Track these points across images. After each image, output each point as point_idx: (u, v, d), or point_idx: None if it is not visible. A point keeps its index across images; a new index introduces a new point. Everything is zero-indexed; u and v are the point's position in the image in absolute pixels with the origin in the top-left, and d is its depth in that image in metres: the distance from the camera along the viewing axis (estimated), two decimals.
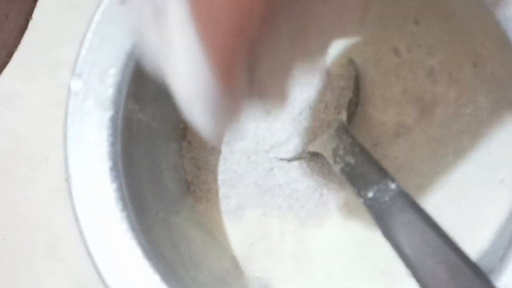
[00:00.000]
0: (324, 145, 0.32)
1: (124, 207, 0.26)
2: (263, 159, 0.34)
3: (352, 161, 0.30)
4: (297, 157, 0.34)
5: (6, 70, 0.39)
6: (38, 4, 0.39)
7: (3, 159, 0.39)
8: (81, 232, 0.26)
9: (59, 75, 0.38)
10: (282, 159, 0.33)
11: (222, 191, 0.36)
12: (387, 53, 0.34)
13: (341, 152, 0.31)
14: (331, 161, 0.31)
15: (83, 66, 0.26)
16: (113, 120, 0.26)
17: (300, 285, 0.35)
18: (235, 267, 0.36)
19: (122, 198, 0.26)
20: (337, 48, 0.34)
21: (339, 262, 0.35)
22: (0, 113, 0.39)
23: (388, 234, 0.25)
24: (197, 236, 0.35)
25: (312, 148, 0.32)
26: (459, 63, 0.32)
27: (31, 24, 0.39)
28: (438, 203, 0.33)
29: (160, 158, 0.34)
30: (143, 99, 0.31)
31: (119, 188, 0.26)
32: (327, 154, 0.31)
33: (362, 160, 0.29)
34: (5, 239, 0.38)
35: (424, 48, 0.33)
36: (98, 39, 0.25)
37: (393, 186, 0.26)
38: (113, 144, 0.26)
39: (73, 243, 0.37)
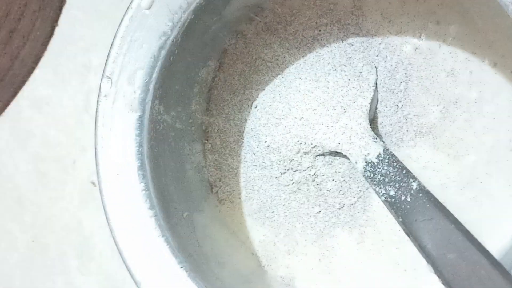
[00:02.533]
0: (350, 146, 0.32)
1: (152, 206, 0.27)
2: (285, 160, 0.35)
3: (375, 160, 0.30)
4: (321, 154, 0.34)
5: (37, 76, 0.40)
6: (65, 12, 0.40)
7: (34, 162, 0.41)
8: (111, 229, 0.27)
9: (87, 80, 0.40)
10: (306, 153, 0.34)
11: (244, 192, 0.36)
12: (409, 53, 0.34)
13: (364, 152, 0.31)
14: (353, 161, 0.31)
15: (113, 69, 0.27)
16: (141, 120, 0.27)
17: (323, 284, 0.35)
18: (258, 267, 0.36)
19: (149, 196, 0.27)
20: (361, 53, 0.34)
21: (361, 261, 0.35)
22: (31, 117, 0.41)
23: (410, 231, 0.25)
24: (220, 236, 0.36)
25: (340, 149, 0.32)
26: (480, 62, 0.33)
27: (59, 31, 0.40)
28: (461, 202, 0.33)
29: (184, 158, 0.35)
30: (168, 100, 0.32)
31: (147, 187, 0.27)
32: (351, 154, 0.32)
33: (384, 159, 0.29)
34: (33, 241, 0.39)
35: (445, 48, 0.33)
36: (127, 43, 0.26)
37: (414, 184, 0.26)
38: (140, 144, 0.27)
39: (102, 242, 0.39)
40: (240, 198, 0.37)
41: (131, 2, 0.26)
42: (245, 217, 0.37)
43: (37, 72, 0.40)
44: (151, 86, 0.27)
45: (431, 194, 0.26)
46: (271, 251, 0.36)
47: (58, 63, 0.40)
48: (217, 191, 0.37)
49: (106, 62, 0.26)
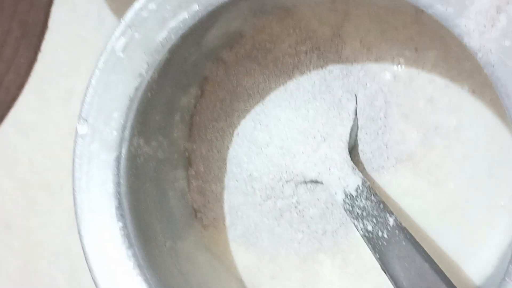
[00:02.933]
0: (329, 177, 0.32)
1: (130, 245, 0.27)
2: (267, 188, 0.35)
3: (354, 193, 0.30)
4: (302, 182, 0.34)
5: (22, 102, 0.40)
6: (47, 37, 0.40)
7: (21, 188, 0.41)
8: (90, 270, 0.27)
9: (71, 105, 0.40)
10: (288, 182, 0.34)
11: (229, 218, 0.37)
12: (387, 80, 0.34)
13: (343, 183, 0.32)
14: (332, 192, 0.32)
15: (89, 111, 0.27)
16: (118, 160, 0.27)
17: None
18: None
19: (127, 236, 0.27)
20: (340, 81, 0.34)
21: (345, 287, 0.35)
22: (17, 143, 0.41)
23: (386, 268, 0.25)
24: (204, 262, 0.36)
25: (318, 178, 0.33)
26: (459, 90, 0.33)
27: (42, 57, 0.40)
28: (441, 228, 0.33)
29: (167, 185, 0.35)
30: (148, 132, 0.32)
31: (125, 227, 0.27)
32: (330, 185, 0.32)
33: (362, 192, 0.30)
34: (20, 267, 0.40)
35: (424, 75, 0.33)
36: (102, 85, 0.26)
37: (391, 220, 0.27)
38: (118, 184, 0.27)
39: None
40: (224, 224, 0.37)
41: (105, 45, 0.26)
42: (230, 242, 0.37)
43: (21, 98, 0.40)
44: (128, 125, 0.27)
45: (407, 230, 0.26)
46: (255, 276, 0.37)
47: (42, 89, 0.40)
48: (201, 217, 0.37)
49: (81, 104, 0.26)
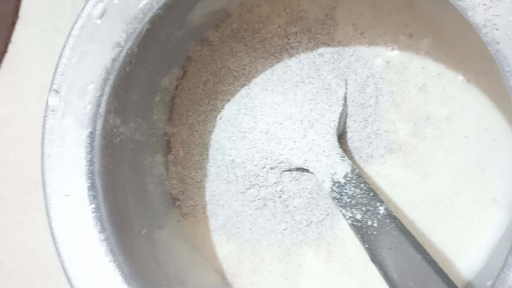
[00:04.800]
0: (317, 164, 0.31)
1: (103, 229, 0.25)
2: (250, 176, 0.33)
3: (342, 180, 0.29)
4: (287, 170, 0.33)
5: None
6: (18, 28, 0.38)
7: None
8: (59, 256, 0.25)
9: (42, 98, 0.37)
10: (273, 169, 0.32)
11: (209, 207, 0.35)
12: (380, 67, 0.33)
13: (331, 170, 0.30)
14: (320, 180, 0.30)
15: (61, 82, 0.25)
16: (92, 137, 0.25)
17: None
18: (222, 284, 0.35)
19: (100, 218, 0.25)
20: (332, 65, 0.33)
21: (329, 280, 0.34)
22: None
23: (376, 259, 0.24)
24: (182, 252, 0.34)
25: (305, 166, 0.31)
26: (452, 78, 0.31)
27: (13, 48, 0.38)
28: (431, 221, 0.32)
29: (144, 171, 0.33)
30: (125, 112, 0.30)
31: (98, 209, 0.25)
32: (317, 172, 0.30)
33: (351, 180, 0.28)
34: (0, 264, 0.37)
35: (417, 62, 0.32)
36: (76, 54, 0.24)
37: (381, 209, 0.25)
38: (91, 163, 0.25)
39: None
40: (204, 213, 0.35)
41: (81, 11, 0.24)
42: (210, 232, 0.35)
43: None
44: (104, 100, 0.25)
45: (398, 220, 0.25)
46: (236, 268, 0.35)
47: (15, 82, 0.38)
48: (179, 205, 0.35)
49: (53, 75, 0.24)
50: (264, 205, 0.34)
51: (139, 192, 0.32)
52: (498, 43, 0.19)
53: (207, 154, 0.35)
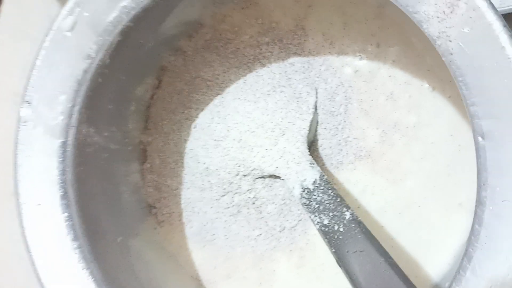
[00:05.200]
0: (287, 171, 0.31)
1: (76, 237, 0.26)
2: (224, 183, 0.34)
3: (311, 187, 0.29)
4: (260, 177, 0.33)
5: None
6: None
7: None
8: (32, 263, 0.25)
9: (9, 107, 0.37)
10: (246, 176, 0.33)
11: (184, 214, 0.35)
12: (349, 76, 0.34)
13: (301, 177, 0.31)
14: (290, 186, 0.31)
15: (33, 94, 0.25)
16: (64, 147, 0.26)
17: None
18: None
19: (73, 227, 0.26)
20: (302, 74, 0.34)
21: (301, 286, 0.34)
22: None
23: (342, 263, 0.25)
24: (157, 260, 0.35)
25: (276, 173, 0.32)
26: (419, 86, 0.32)
27: None
28: (400, 226, 0.33)
29: (118, 179, 0.34)
30: (99, 121, 0.30)
31: (70, 217, 0.26)
32: (288, 179, 0.31)
33: (319, 186, 0.29)
34: None
35: (385, 71, 0.33)
36: (48, 65, 0.25)
37: (347, 214, 0.26)
38: (63, 172, 0.26)
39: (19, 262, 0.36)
40: (180, 220, 0.36)
41: (52, 24, 0.24)
42: (185, 239, 0.36)
43: None
44: (76, 110, 0.26)
45: (363, 225, 0.25)
46: (211, 275, 0.35)
47: None
48: (156, 213, 0.36)
49: (25, 87, 0.24)
50: (238, 211, 0.34)
51: (113, 201, 0.33)
52: (451, 54, 0.20)
53: (182, 162, 0.35)
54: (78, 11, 0.24)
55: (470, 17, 0.20)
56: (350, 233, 0.25)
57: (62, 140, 0.25)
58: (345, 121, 0.33)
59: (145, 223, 0.35)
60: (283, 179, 0.32)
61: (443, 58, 0.21)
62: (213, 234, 0.35)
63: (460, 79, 0.20)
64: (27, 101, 0.24)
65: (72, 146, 0.26)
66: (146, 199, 0.36)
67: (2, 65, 0.38)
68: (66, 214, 0.26)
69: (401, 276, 0.23)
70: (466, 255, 0.21)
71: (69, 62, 0.25)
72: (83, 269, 0.26)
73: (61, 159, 0.26)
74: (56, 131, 0.25)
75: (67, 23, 0.24)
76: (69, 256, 0.26)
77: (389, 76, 0.33)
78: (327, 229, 0.26)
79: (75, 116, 0.26)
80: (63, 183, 0.26)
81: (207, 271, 0.36)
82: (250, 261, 0.35)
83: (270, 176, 0.33)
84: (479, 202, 0.21)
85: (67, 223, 0.26)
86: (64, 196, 0.26)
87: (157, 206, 0.36)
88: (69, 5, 0.24)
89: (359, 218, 0.26)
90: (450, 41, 0.20)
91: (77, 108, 0.26)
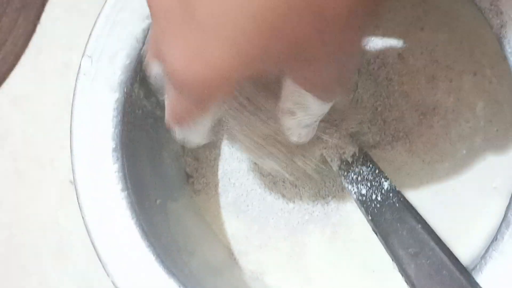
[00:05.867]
0: (326, 144, 0.32)
1: (125, 187, 0.27)
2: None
3: (349, 159, 0.30)
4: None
5: (16, 74, 0.40)
6: (47, 9, 0.40)
7: (12, 160, 0.40)
8: (81, 208, 0.26)
9: (67, 78, 0.39)
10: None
11: (221, 185, 0.36)
12: (391, 58, 0.34)
13: (340, 150, 0.32)
14: (328, 158, 0.32)
15: (94, 48, 0.26)
16: (119, 102, 0.27)
17: (293, 281, 0.35)
18: (229, 258, 0.36)
19: (123, 178, 0.27)
20: None
21: (332, 260, 0.35)
22: (11, 116, 0.40)
23: (378, 229, 0.25)
24: (193, 225, 0.36)
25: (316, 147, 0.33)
26: (460, 71, 0.33)
27: (41, 29, 0.40)
28: (433, 207, 0.33)
29: (162, 145, 0.35)
30: (148, 85, 0.31)
31: (122, 169, 0.27)
32: (327, 153, 0.32)
33: (358, 159, 0.30)
34: (6, 240, 0.39)
35: (427, 55, 0.34)
36: (110, 23, 0.26)
37: (385, 184, 0.27)
38: (117, 126, 0.27)
39: (79, 242, 0.38)
40: (216, 190, 0.37)
41: None
42: (220, 209, 0.37)
43: (17, 69, 0.40)
44: (132, 68, 0.27)
45: (401, 194, 0.26)
46: (243, 245, 0.36)
47: (39, 61, 0.40)
48: (193, 182, 0.37)
49: (87, 41, 0.26)
50: (274, 183, 0.35)
51: (155, 165, 0.34)
52: (501, 26, 0.21)
53: (222, 134, 0.36)
54: None
55: None
56: (387, 202, 0.26)
57: (118, 95, 0.27)
58: (385, 102, 0.34)
59: (183, 190, 0.37)
60: (321, 153, 0.33)
61: (494, 31, 0.21)
62: (248, 205, 0.36)
63: (509, 50, 0.21)
64: (88, 55, 0.26)
65: (126, 103, 0.28)
66: (185, 167, 0.37)
67: (54, 36, 0.40)
68: (116, 166, 0.27)
69: (438, 242, 0.23)
70: (504, 221, 0.21)
71: (131, 20, 0.26)
72: (129, 217, 0.27)
73: (115, 113, 0.27)
74: (113, 85, 0.27)
75: None
76: (117, 204, 0.27)
77: (431, 60, 0.34)
78: (364, 198, 0.27)
79: (130, 73, 0.27)
80: (116, 137, 0.27)
81: (240, 241, 0.37)
82: (282, 233, 0.36)
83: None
84: None
85: (116, 173, 0.27)
86: (116, 148, 0.27)
87: (194, 176, 0.37)
88: None
89: (397, 189, 0.27)
90: (502, 13, 0.21)
91: (133, 65, 0.27)
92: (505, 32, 0.21)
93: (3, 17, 0.39)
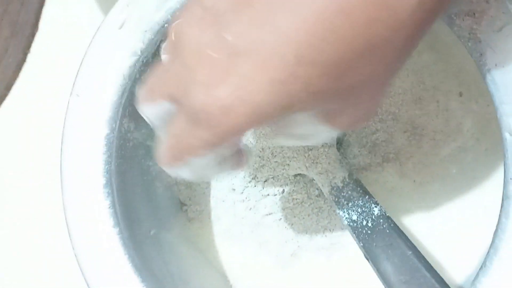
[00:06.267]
0: (317, 170, 0.33)
1: (117, 223, 0.27)
2: (256, 183, 0.35)
3: (340, 184, 0.30)
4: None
5: (7, 101, 0.40)
6: (37, 39, 0.40)
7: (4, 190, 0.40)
8: (72, 245, 0.27)
9: (56, 106, 0.39)
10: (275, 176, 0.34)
11: (214, 212, 0.36)
12: None
13: (330, 176, 0.32)
14: (319, 184, 0.32)
15: (82, 87, 0.27)
16: (109, 138, 0.27)
17: None
18: (225, 286, 0.36)
19: (114, 214, 0.27)
20: None
21: (328, 286, 0.35)
22: (1, 144, 0.41)
23: (370, 256, 0.26)
24: (187, 254, 0.36)
25: (307, 172, 0.33)
26: (446, 91, 0.33)
27: (31, 58, 0.40)
28: (425, 226, 0.33)
29: (154, 175, 0.35)
30: (138, 118, 0.32)
31: (112, 205, 0.27)
32: (317, 178, 0.32)
33: (348, 184, 0.30)
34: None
35: (413, 76, 0.34)
36: (97, 60, 0.26)
37: (376, 210, 0.27)
38: (107, 162, 0.27)
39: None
40: (209, 218, 0.37)
41: (102, 22, 0.26)
42: (214, 236, 0.37)
43: (9, 100, 0.40)
44: (120, 105, 0.27)
45: (391, 220, 0.26)
46: (238, 272, 0.36)
47: (29, 88, 0.40)
48: (186, 210, 0.37)
49: (75, 79, 0.26)
50: (269, 213, 0.36)
51: (148, 195, 0.34)
52: (481, 54, 0.22)
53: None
54: (128, 10, 0.26)
55: (500, 19, 0.21)
56: (378, 228, 0.26)
57: (107, 132, 0.27)
58: (374, 124, 0.34)
59: (177, 219, 0.37)
60: (312, 178, 0.33)
61: (473, 58, 0.22)
62: (241, 232, 0.36)
63: (490, 78, 0.21)
64: (76, 94, 0.26)
65: (115, 139, 0.28)
66: (178, 196, 0.37)
67: (46, 63, 0.40)
68: (108, 202, 0.27)
69: (429, 268, 0.24)
70: (492, 247, 0.21)
71: (117, 57, 0.26)
72: (122, 253, 0.27)
73: (105, 149, 0.27)
74: (102, 122, 0.27)
75: (117, 21, 0.26)
76: (109, 241, 0.27)
77: (418, 82, 0.34)
78: (355, 224, 0.27)
79: (119, 110, 0.27)
80: (107, 173, 0.27)
81: (234, 268, 0.37)
82: (277, 259, 0.36)
83: (299, 175, 0.34)
84: (506, 196, 0.22)
85: (109, 209, 0.27)
86: (107, 184, 0.27)
87: (187, 204, 0.37)
88: (120, 4, 0.26)
89: (387, 214, 0.27)
90: (480, 42, 0.21)
91: (122, 101, 0.27)
92: (485, 60, 0.21)
93: None
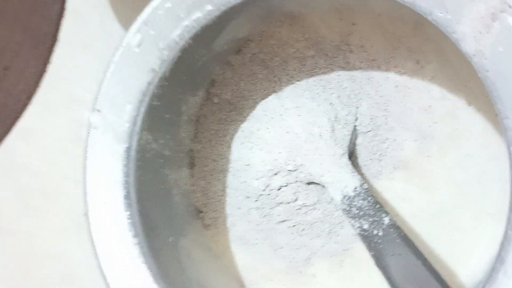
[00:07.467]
0: (329, 178, 0.33)
1: (136, 234, 0.28)
2: (270, 191, 0.36)
3: (351, 193, 0.31)
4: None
5: (29, 112, 0.41)
6: (57, 50, 0.41)
7: (20, 192, 0.41)
8: (96, 255, 0.28)
9: (74, 113, 0.41)
10: (289, 185, 0.35)
11: (230, 219, 0.37)
12: (387, 89, 0.35)
13: (342, 185, 0.33)
14: (331, 193, 0.33)
15: (103, 103, 0.28)
16: (128, 151, 0.28)
17: None
18: None
19: (134, 224, 0.28)
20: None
21: None
22: (20, 150, 0.42)
23: (380, 265, 0.26)
24: (204, 260, 0.37)
25: (319, 181, 0.34)
26: (455, 101, 0.34)
27: (51, 68, 0.41)
28: (432, 232, 0.34)
29: (171, 184, 0.36)
30: (157, 130, 0.33)
31: (132, 215, 0.28)
32: (329, 187, 0.33)
33: (360, 193, 0.31)
34: (13, 270, 0.40)
35: (423, 85, 0.35)
36: (116, 78, 0.28)
37: (386, 219, 0.28)
38: (127, 174, 0.28)
39: (87, 272, 0.39)
40: (225, 224, 0.38)
41: (121, 40, 0.27)
42: (229, 242, 0.38)
43: (30, 108, 0.41)
44: (139, 119, 0.28)
45: (401, 229, 0.27)
46: (253, 277, 0.37)
47: (48, 97, 0.41)
48: (203, 216, 0.38)
49: (96, 96, 0.27)
50: (283, 220, 0.36)
51: (166, 203, 0.35)
52: (487, 71, 0.22)
53: (228, 169, 0.38)
54: (145, 29, 0.27)
55: (505, 37, 0.22)
56: (388, 237, 0.27)
57: (127, 145, 0.28)
58: (384, 133, 0.35)
59: (194, 225, 0.38)
60: (324, 187, 0.34)
61: (479, 75, 0.23)
62: (256, 239, 0.37)
63: (495, 94, 0.22)
64: (98, 109, 0.27)
65: (135, 151, 0.29)
66: (194, 203, 0.38)
67: (65, 74, 0.41)
68: (128, 213, 0.28)
69: (438, 278, 0.24)
70: (498, 259, 0.22)
71: (136, 75, 0.28)
72: (141, 263, 0.28)
73: (125, 162, 0.28)
74: (122, 137, 0.28)
75: (135, 40, 0.27)
76: (130, 251, 0.28)
77: (427, 91, 0.35)
78: (366, 233, 0.28)
79: (138, 124, 0.28)
80: (127, 184, 0.28)
81: (249, 273, 0.38)
82: (291, 265, 0.37)
83: (311, 183, 0.35)
84: None
85: (129, 221, 0.28)
86: (127, 196, 0.28)
87: (203, 211, 0.38)
88: (137, 23, 0.27)
89: (397, 223, 0.28)
90: (486, 59, 0.22)
91: (140, 116, 0.28)
92: (491, 76, 0.22)
93: (16, 58, 0.40)
